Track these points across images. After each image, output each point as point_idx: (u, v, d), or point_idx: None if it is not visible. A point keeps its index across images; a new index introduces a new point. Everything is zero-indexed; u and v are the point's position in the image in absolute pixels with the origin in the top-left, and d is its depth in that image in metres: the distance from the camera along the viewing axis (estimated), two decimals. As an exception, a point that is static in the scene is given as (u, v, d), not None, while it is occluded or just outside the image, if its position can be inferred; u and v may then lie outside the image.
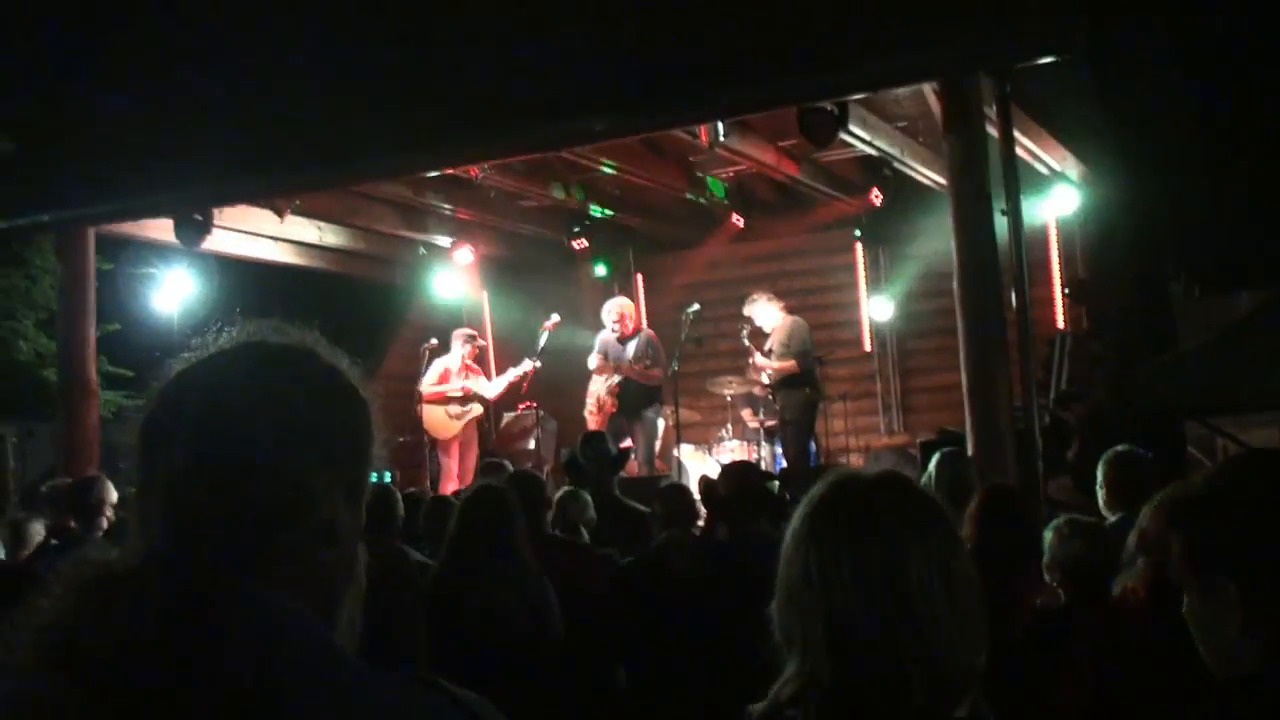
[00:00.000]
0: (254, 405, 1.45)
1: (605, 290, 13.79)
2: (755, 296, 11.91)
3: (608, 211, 12.77)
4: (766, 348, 11.79)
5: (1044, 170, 11.45)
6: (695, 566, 5.67)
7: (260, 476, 1.43)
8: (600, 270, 13.58)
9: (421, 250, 13.85)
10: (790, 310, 12.00)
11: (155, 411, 1.48)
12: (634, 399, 12.29)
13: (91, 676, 1.30)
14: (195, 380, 1.49)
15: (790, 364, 11.57)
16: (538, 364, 12.37)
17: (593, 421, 12.10)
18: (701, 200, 12.37)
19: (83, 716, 1.30)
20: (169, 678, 1.30)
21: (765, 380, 11.94)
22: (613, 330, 12.18)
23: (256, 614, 1.36)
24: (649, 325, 13.70)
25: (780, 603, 1.91)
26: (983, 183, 7.78)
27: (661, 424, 12.52)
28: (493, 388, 12.76)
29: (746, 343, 11.78)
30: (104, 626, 1.33)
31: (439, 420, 12.53)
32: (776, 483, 7.11)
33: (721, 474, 6.25)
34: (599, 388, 12.35)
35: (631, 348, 12.33)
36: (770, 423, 12.31)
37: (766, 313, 11.90)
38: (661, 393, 12.17)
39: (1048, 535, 4.60)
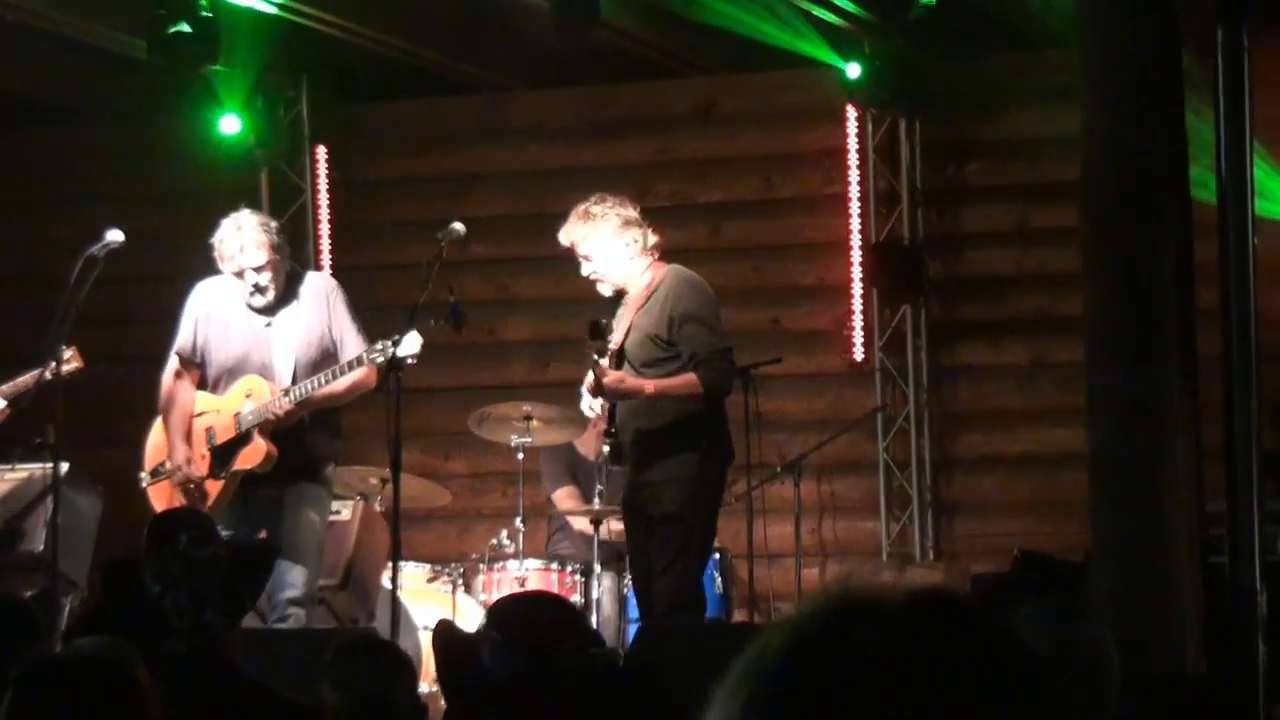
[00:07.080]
0: None
1: (238, 178, 9.20)
2: (594, 210, 6.99)
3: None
4: (613, 342, 6.83)
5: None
6: None
7: None
8: (232, 125, 8.99)
9: None
10: (663, 256, 7.11)
11: None
12: (297, 445, 7.12)
13: None
14: None
15: (688, 379, 6.55)
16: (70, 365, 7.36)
17: (173, 498, 6.98)
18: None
19: None
20: None
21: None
22: (253, 284, 7.12)
23: None
24: (333, 266, 9.11)
25: None
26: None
27: (340, 509, 7.87)
28: None
29: (594, 356, 6.89)
30: None
31: None
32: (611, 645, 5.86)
33: (490, 616, 3.95)
34: (219, 417, 7.23)
35: (296, 320, 7.24)
36: (616, 520, 7.45)
37: (611, 254, 6.80)
38: (339, 427, 7.44)
39: None
